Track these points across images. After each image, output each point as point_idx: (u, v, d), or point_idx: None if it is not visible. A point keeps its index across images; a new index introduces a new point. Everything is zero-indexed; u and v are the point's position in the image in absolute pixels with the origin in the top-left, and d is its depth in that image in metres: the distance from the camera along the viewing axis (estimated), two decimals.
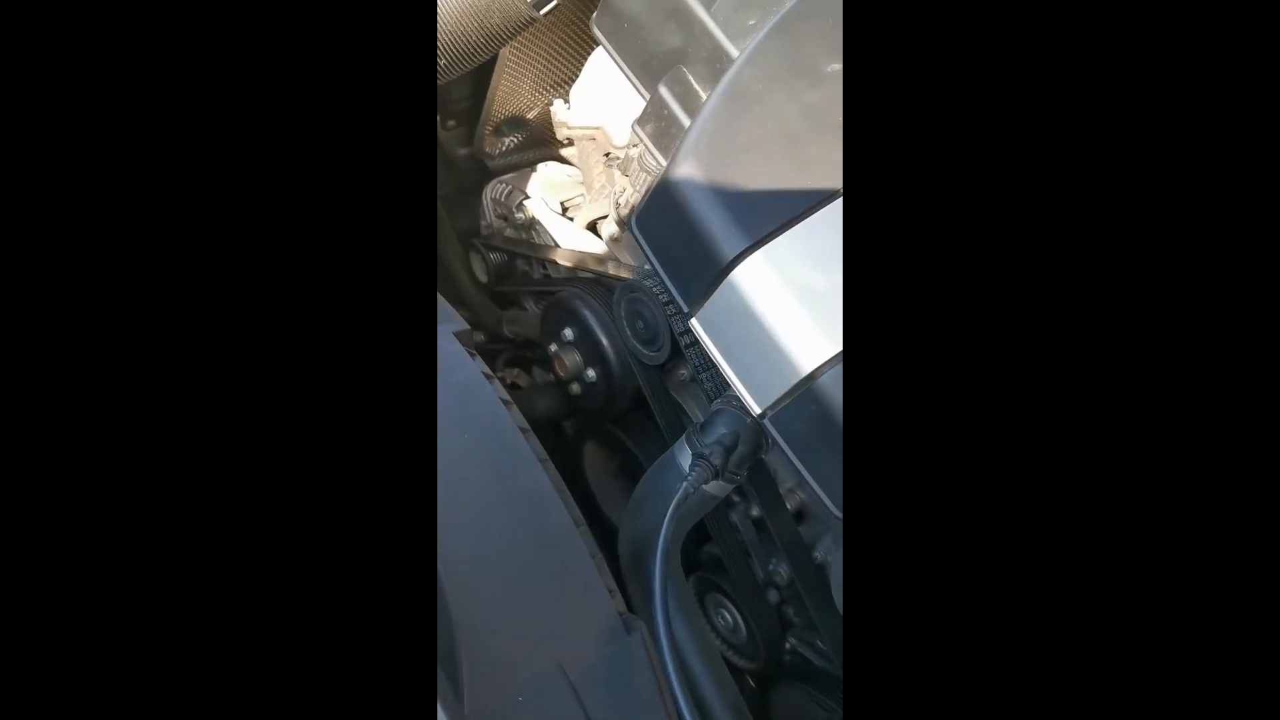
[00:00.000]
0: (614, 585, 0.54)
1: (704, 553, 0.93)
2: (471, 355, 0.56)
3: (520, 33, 0.73)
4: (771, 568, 0.84)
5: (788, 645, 0.87)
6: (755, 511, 0.84)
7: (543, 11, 0.71)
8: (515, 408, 0.55)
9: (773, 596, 0.86)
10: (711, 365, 0.69)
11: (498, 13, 0.69)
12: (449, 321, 0.56)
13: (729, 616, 0.88)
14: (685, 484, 0.58)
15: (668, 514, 0.56)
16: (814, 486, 0.58)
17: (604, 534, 0.98)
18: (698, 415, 0.84)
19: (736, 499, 0.86)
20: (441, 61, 0.71)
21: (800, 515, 0.83)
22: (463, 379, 0.52)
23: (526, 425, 0.54)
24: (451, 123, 1.01)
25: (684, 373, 0.83)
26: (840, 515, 0.54)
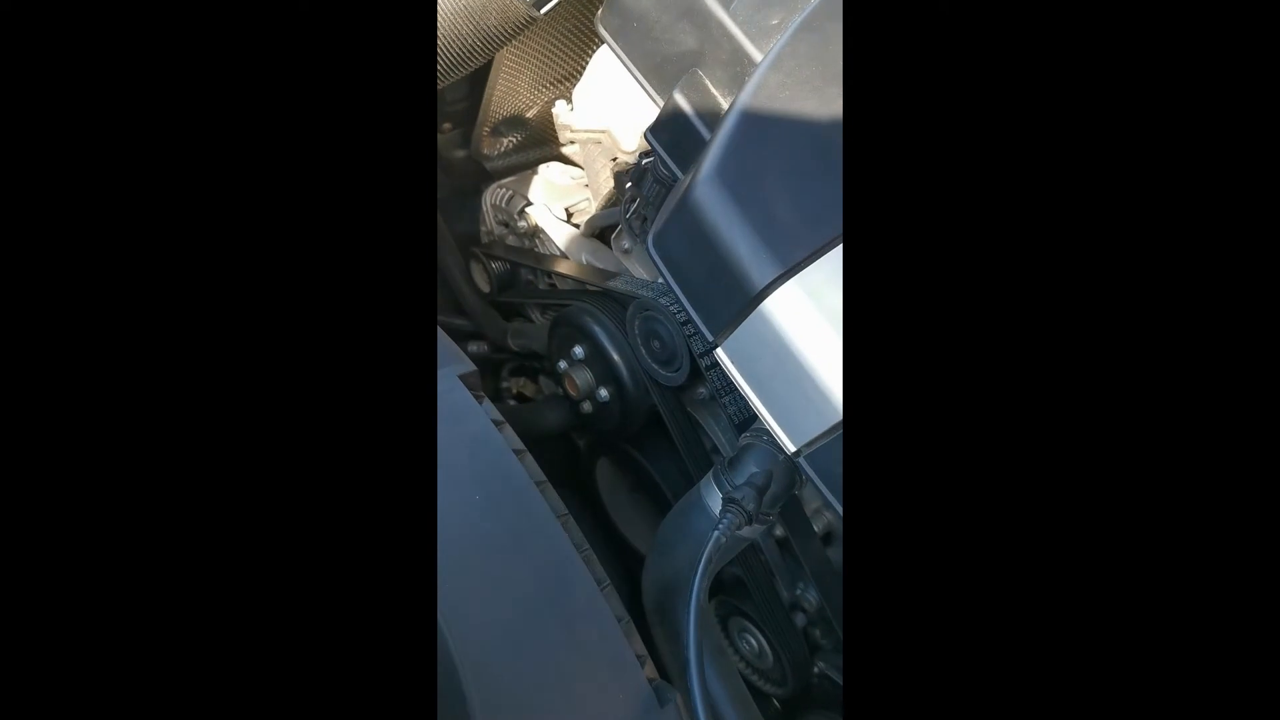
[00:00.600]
0: (643, 649, 0.50)
1: (726, 573, 0.89)
2: (479, 399, 0.51)
3: (519, 34, 0.67)
4: (799, 591, 0.80)
5: (815, 670, 0.83)
6: (779, 531, 0.80)
7: (543, 11, 0.66)
8: (529, 457, 0.50)
9: (799, 620, 0.83)
10: (734, 388, 0.65)
11: (495, 14, 0.64)
12: (454, 363, 0.51)
13: (754, 641, 0.84)
14: (717, 534, 0.53)
15: (699, 572, 0.51)
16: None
17: (620, 553, 0.94)
18: (716, 434, 0.80)
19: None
20: (438, 66, 0.65)
21: (829, 537, 0.79)
22: (474, 431, 0.47)
23: (543, 477, 0.49)
24: (448, 125, 0.96)
25: (702, 391, 0.78)
26: None
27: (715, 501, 0.59)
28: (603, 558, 0.92)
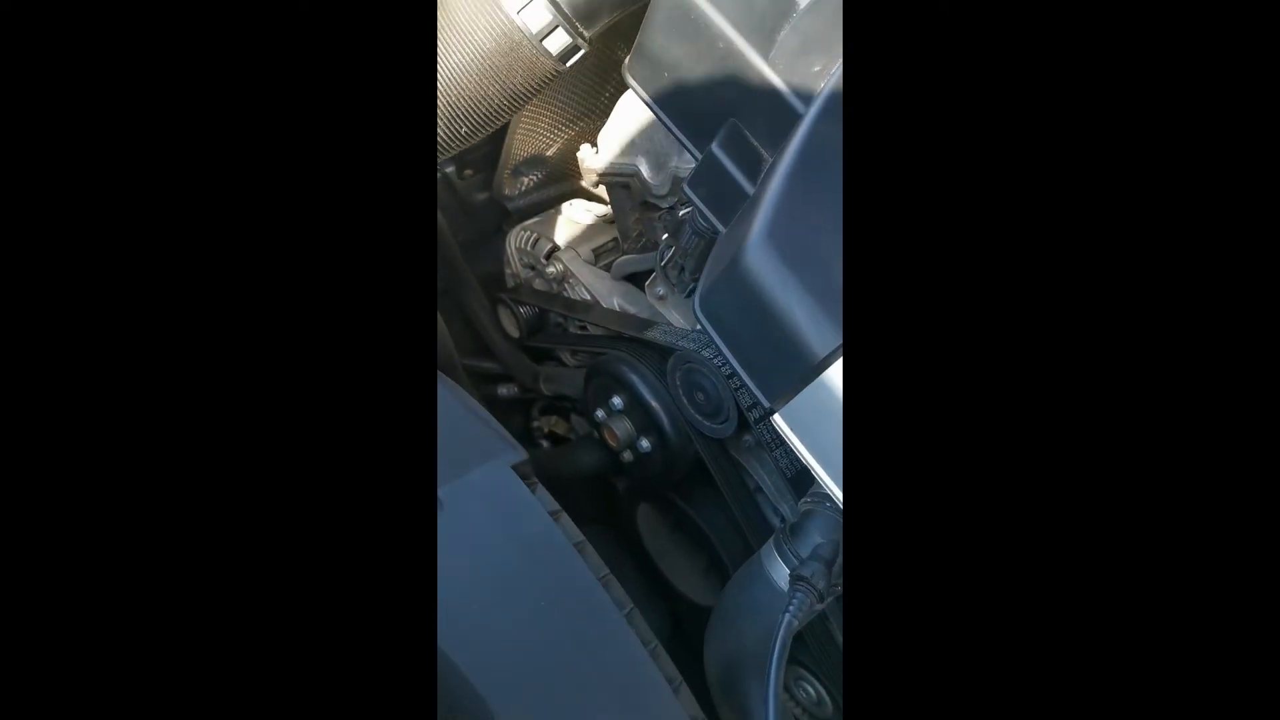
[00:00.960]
0: (698, 712, 0.48)
1: None
2: (533, 487, 0.49)
3: (545, 88, 0.65)
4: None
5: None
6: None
7: (568, 64, 0.63)
8: (590, 549, 0.48)
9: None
10: (783, 441, 0.62)
11: (520, 71, 0.61)
12: (508, 452, 0.49)
13: (811, 690, 0.82)
14: (789, 617, 0.51)
15: (774, 662, 0.49)
16: None
17: (667, 597, 0.92)
18: (763, 477, 0.78)
19: None
20: (463, 129, 0.63)
21: None
22: (532, 532, 0.45)
23: (606, 571, 0.47)
24: (469, 171, 0.94)
25: (748, 438, 0.76)
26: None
27: (778, 571, 0.56)
28: (650, 607, 0.90)
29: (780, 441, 0.69)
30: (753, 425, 0.69)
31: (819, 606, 0.54)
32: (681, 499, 0.84)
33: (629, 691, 0.44)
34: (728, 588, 0.63)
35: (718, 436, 0.72)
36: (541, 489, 0.50)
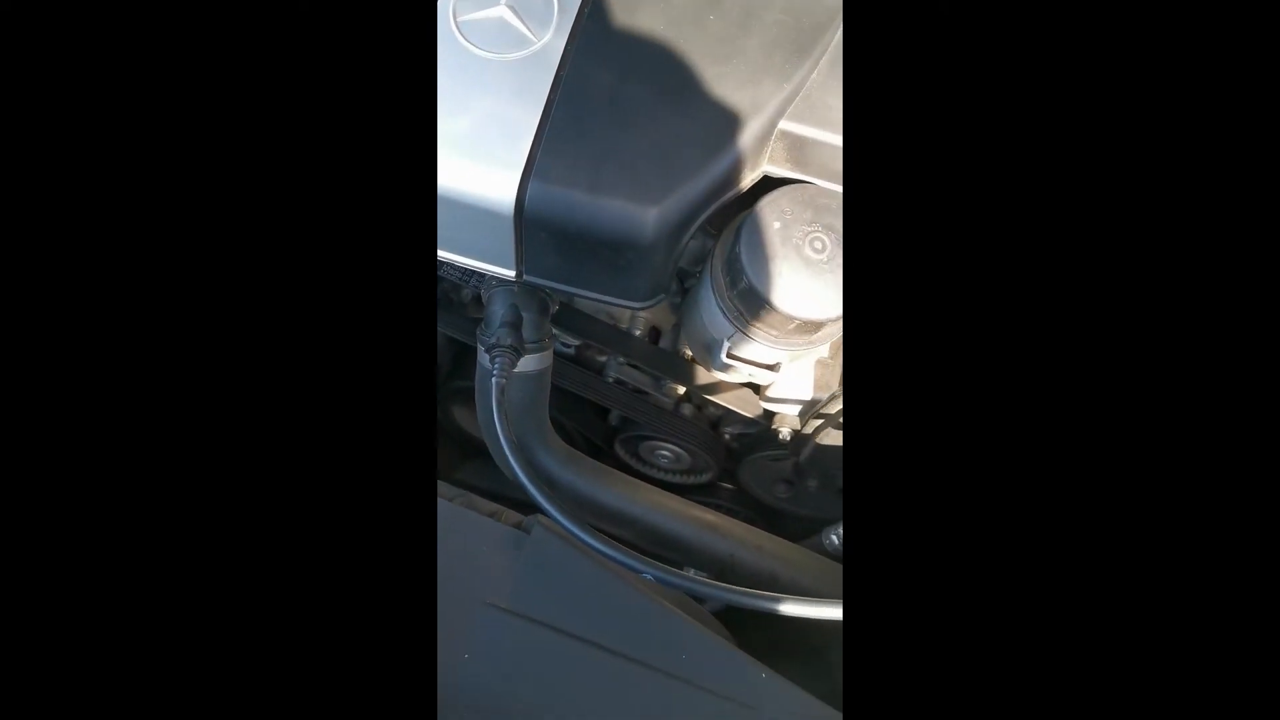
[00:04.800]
0: (495, 507, 0.53)
1: (613, 418, 0.93)
2: None
3: None
4: (664, 385, 0.85)
5: (726, 435, 0.89)
6: (622, 359, 0.84)
7: None
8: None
9: (686, 410, 0.88)
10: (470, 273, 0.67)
11: None
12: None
13: (665, 452, 0.90)
14: (495, 379, 0.57)
15: (494, 415, 0.54)
16: (598, 297, 0.58)
17: None
18: None
19: (602, 358, 0.86)
20: None
21: (658, 332, 0.83)
22: None
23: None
24: None
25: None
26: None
27: (485, 357, 0.62)
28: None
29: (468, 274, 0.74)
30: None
31: (534, 360, 0.60)
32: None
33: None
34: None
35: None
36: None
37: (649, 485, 0.75)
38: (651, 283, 0.57)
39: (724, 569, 0.71)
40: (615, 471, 0.75)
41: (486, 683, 0.45)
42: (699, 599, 0.63)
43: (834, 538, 0.81)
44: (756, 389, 0.79)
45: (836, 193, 0.55)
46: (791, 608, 0.48)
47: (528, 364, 0.61)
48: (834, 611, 0.47)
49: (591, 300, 0.59)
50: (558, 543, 0.49)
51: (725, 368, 0.63)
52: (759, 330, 0.56)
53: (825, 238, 0.52)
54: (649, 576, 0.47)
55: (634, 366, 0.86)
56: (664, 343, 0.83)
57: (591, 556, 0.49)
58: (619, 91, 0.52)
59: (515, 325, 0.59)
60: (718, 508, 0.85)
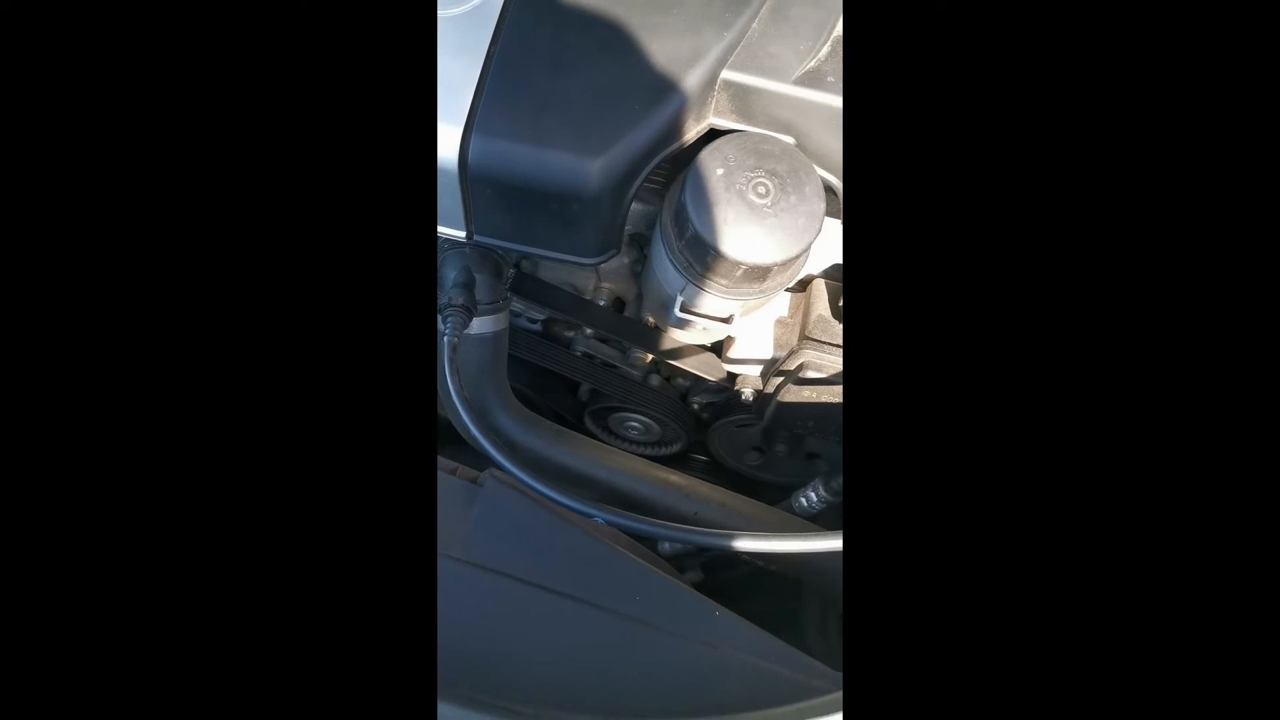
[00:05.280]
0: (451, 464, 0.53)
1: (582, 393, 0.94)
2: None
3: None
4: (631, 356, 0.85)
5: (694, 406, 0.89)
6: (589, 332, 0.84)
7: None
8: None
9: (654, 380, 0.88)
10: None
11: None
12: None
13: (635, 423, 0.90)
14: (446, 338, 0.57)
15: (445, 372, 0.54)
16: (548, 254, 0.58)
17: None
18: None
19: (570, 333, 0.86)
20: None
21: (622, 303, 0.83)
22: None
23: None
24: None
25: None
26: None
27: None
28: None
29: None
30: None
31: (488, 319, 0.60)
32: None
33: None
34: None
35: None
36: None
37: (613, 449, 0.75)
38: (600, 237, 0.57)
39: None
40: (578, 435, 0.75)
41: (445, 632, 0.45)
42: (653, 542, 0.63)
43: (803, 501, 0.82)
44: (719, 351, 0.80)
45: (780, 139, 0.55)
46: (748, 544, 0.48)
47: (483, 325, 0.62)
48: (788, 545, 0.47)
49: (541, 257, 0.59)
50: (510, 493, 0.49)
51: (681, 323, 0.63)
52: (709, 281, 0.56)
53: (769, 182, 0.52)
54: (601, 520, 0.48)
55: (601, 339, 0.87)
56: (628, 312, 0.83)
57: (544, 505, 0.49)
58: (559, 43, 0.52)
59: (468, 286, 0.59)
60: None
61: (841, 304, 0.67)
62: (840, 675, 0.44)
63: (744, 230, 0.52)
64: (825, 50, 0.55)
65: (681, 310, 0.60)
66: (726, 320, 0.60)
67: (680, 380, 0.89)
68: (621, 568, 0.48)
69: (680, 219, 0.54)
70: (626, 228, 0.63)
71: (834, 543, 0.51)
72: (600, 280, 0.79)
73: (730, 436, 0.88)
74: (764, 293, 0.58)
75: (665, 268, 0.59)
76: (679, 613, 0.47)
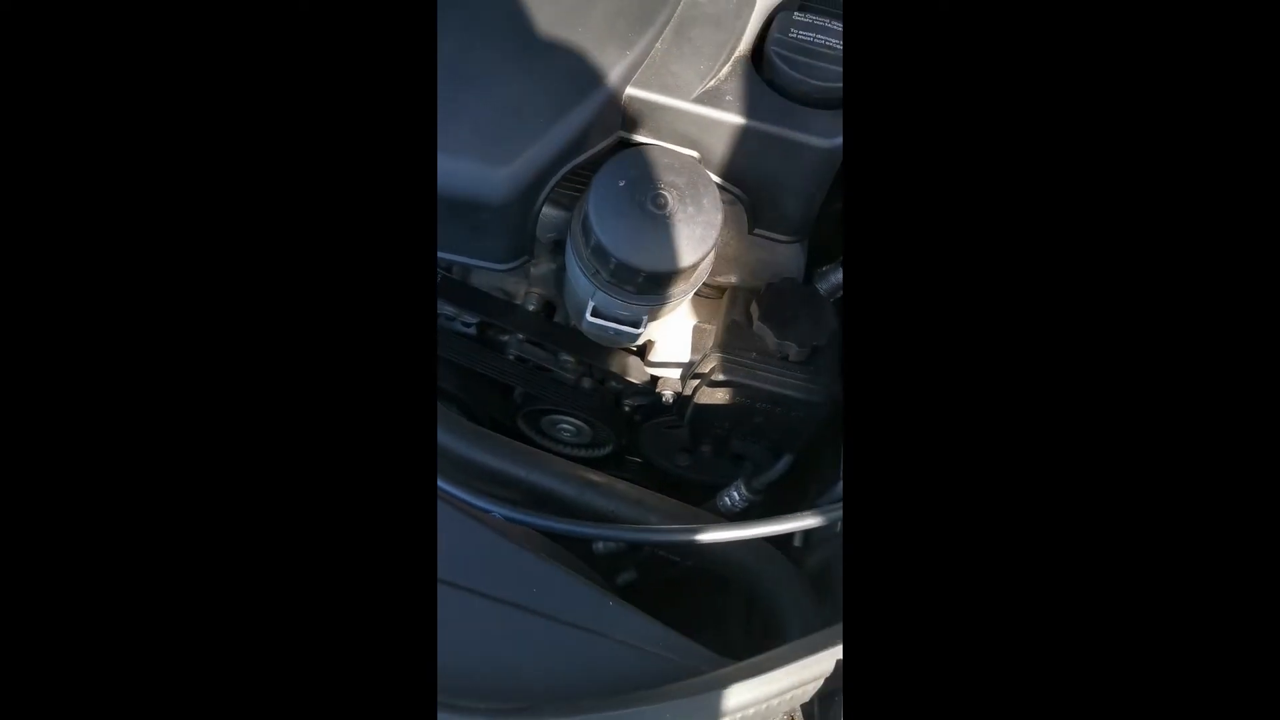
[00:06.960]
0: None
1: (516, 396, 0.95)
2: None
3: None
4: (563, 360, 0.88)
5: (626, 408, 0.91)
6: (522, 336, 0.86)
7: None
8: None
9: (586, 384, 0.90)
10: None
11: None
12: None
13: (567, 425, 0.92)
14: None
15: None
16: (459, 259, 0.60)
17: None
18: None
19: (504, 337, 0.88)
20: None
21: (552, 307, 0.85)
22: None
23: None
24: None
25: None
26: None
27: None
28: None
29: None
30: None
31: None
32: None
33: None
34: None
35: None
36: None
37: (532, 449, 0.77)
38: (510, 244, 0.59)
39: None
40: (495, 434, 0.77)
41: None
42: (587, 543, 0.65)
43: (726, 500, 0.85)
44: (642, 355, 0.82)
45: (683, 153, 0.58)
46: (654, 536, 0.50)
47: None
48: (699, 535, 0.49)
49: (454, 262, 0.61)
50: None
51: (593, 328, 0.66)
52: (614, 288, 0.59)
53: (668, 195, 0.55)
54: (497, 515, 0.50)
55: (534, 344, 0.89)
56: (558, 317, 0.85)
57: (448, 501, 0.51)
58: (467, 55, 0.54)
59: None
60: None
61: (754, 310, 0.70)
62: (720, 659, 0.47)
63: (640, 239, 0.54)
64: (725, 70, 0.58)
65: (593, 315, 0.62)
66: (635, 325, 0.62)
67: (613, 384, 0.92)
68: (515, 559, 0.50)
69: (586, 228, 0.57)
70: (551, 234, 0.65)
71: (735, 533, 0.53)
72: (530, 286, 0.82)
73: (659, 438, 0.90)
74: (670, 299, 0.60)
75: (577, 275, 0.62)
76: (572, 602, 0.49)
